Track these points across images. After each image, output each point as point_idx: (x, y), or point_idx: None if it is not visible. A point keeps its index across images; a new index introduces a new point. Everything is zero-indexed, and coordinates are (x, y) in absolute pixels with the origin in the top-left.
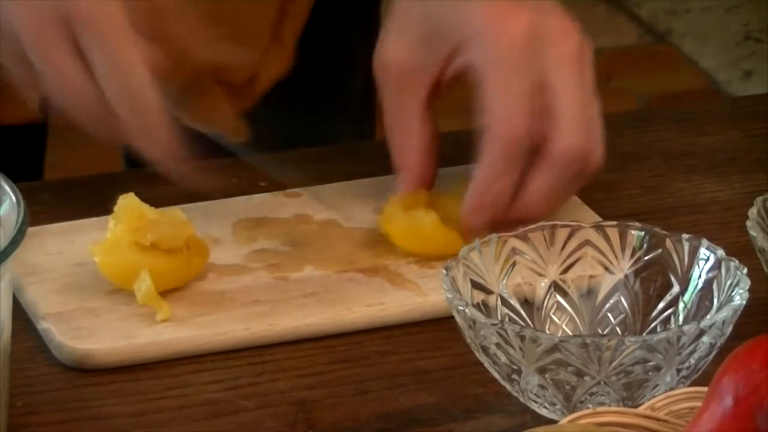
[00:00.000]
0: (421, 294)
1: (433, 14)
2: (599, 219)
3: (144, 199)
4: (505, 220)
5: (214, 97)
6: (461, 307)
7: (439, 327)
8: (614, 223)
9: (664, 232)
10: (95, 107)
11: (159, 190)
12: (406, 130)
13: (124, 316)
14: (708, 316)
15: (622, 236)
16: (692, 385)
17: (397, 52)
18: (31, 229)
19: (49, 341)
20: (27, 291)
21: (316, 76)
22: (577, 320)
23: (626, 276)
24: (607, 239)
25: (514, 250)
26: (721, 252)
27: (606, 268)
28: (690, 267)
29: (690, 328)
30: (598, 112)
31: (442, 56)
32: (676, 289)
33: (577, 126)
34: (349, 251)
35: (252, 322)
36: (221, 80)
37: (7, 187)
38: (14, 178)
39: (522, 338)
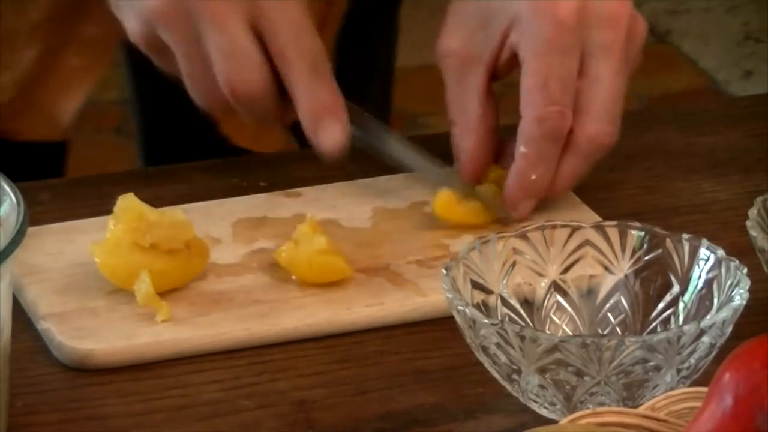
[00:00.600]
0: (421, 294)
1: (488, 1)
2: (599, 219)
3: (144, 199)
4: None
5: None
6: (461, 307)
7: (439, 327)
8: (614, 223)
9: (664, 232)
10: (268, 85)
11: (159, 190)
12: (467, 114)
13: (124, 317)
14: (708, 316)
15: (622, 236)
16: (692, 385)
17: (458, 39)
18: (31, 229)
19: (49, 341)
20: (27, 291)
21: (338, 80)
22: (577, 320)
23: (626, 276)
24: (607, 239)
25: (514, 250)
26: (721, 252)
27: (606, 268)
28: (690, 267)
29: (690, 328)
30: (623, 96)
31: (496, 39)
32: (676, 289)
33: (606, 117)
34: (349, 251)
35: (252, 322)
36: None
37: (7, 187)
38: None
39: (522, 338)
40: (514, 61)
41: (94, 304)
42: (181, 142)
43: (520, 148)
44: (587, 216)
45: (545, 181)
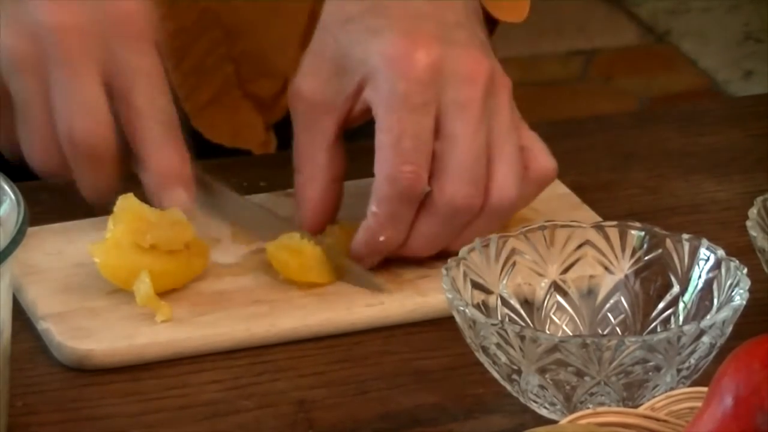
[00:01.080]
0: (421, 294)
1: (345, 47)
2: (599, 219)
3: (144, 200)
4: (394, 257)
5: (242, 111)
6: (461, 307)
7: (439, 327)
8: (614, 223)
9: (664, 232)
10: (112, 142)
11: None
12: (312, 162)
13: (124, 316)
14: (708, 316)
15: (622, 236)
16: (692, 385)
17: (311, 84)
18: (31, 229)
19: (49, 341)
20: (27, 291)
21: None
22: (577, 320)
23: (626, 276)
24: (607, 239)
25: (514, 250)
26: (721, 252)
27: (606, 268)
28: (690, 267)
29: (690, 328)
30: (514, 150)
31: (350, 92)
32: (676, 289)
33: (465, 177)
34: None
35: (252, 322)
36: (249, 94)
37: (7, 187)
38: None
39: (522, 338)
40: (368, 114)
41: (94, 304)
42: None
43: (372, 207)
44: (587, 216)
45: (395, 243)
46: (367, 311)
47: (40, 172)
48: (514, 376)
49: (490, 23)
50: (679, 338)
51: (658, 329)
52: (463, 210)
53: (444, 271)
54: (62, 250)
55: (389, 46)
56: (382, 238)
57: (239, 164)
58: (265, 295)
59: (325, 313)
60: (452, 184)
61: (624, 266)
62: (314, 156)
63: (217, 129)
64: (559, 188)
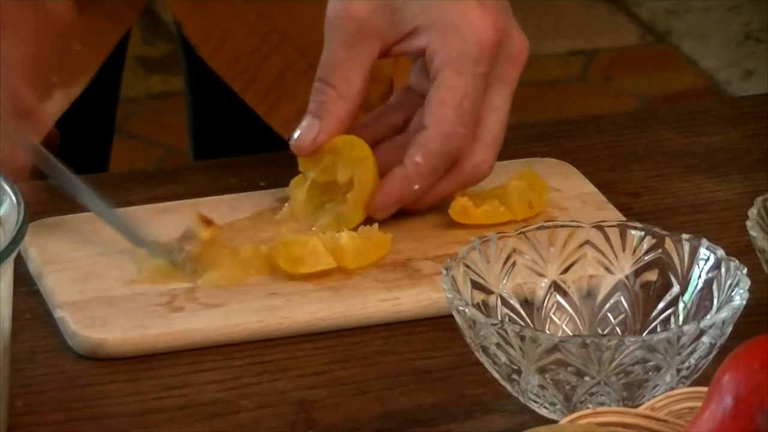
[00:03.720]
0: (436, 290)
1: None
2: (624, 219)
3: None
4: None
5: None
6: (461, 307)
7: (439, 327)
8: (614, 223)
9: (664, 232)
10: None
11: (159, 191)
12: (348, 81)
13: (139, 306)
14: (708, 316)
15: (622, 236)
16: (692, 385)
17: (364, 7)
18: (59, 218)
19: (63, 330)
20: (47, 279)
21: None
22: (577, 320)
23: (626, 276)
24: (607, 239)
25: (514, 250)
26: (721, 252)
27: (606, 268)
28: (690, 267)
29: (690, 328)
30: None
31: (402, 29)
32: (676, 289)
33: (494, 148)
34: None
35: (266, 314)
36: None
37: (7, 187)
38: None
39: (522, 338)
40: (404, 54)
41: (111, 293)
42: (231, 136)
43: (416, 158)
44: (612, 215)
45: (421, 195)
46: (380, 306)
47: None
48: (514, 376)
49: None
50: (679, 338)
51: (658, 329)
52: (481, 176)
53: (444, 271)
54: (87, 239)
55: (469, 10)
56: (416, 188)
57: (239, 164)
58: (281, 288)
59: (339, 306)
60: (486, 151)
61: (624, 266)
62: (351, 75)
63: (288, 124)
64: (585, 186)
